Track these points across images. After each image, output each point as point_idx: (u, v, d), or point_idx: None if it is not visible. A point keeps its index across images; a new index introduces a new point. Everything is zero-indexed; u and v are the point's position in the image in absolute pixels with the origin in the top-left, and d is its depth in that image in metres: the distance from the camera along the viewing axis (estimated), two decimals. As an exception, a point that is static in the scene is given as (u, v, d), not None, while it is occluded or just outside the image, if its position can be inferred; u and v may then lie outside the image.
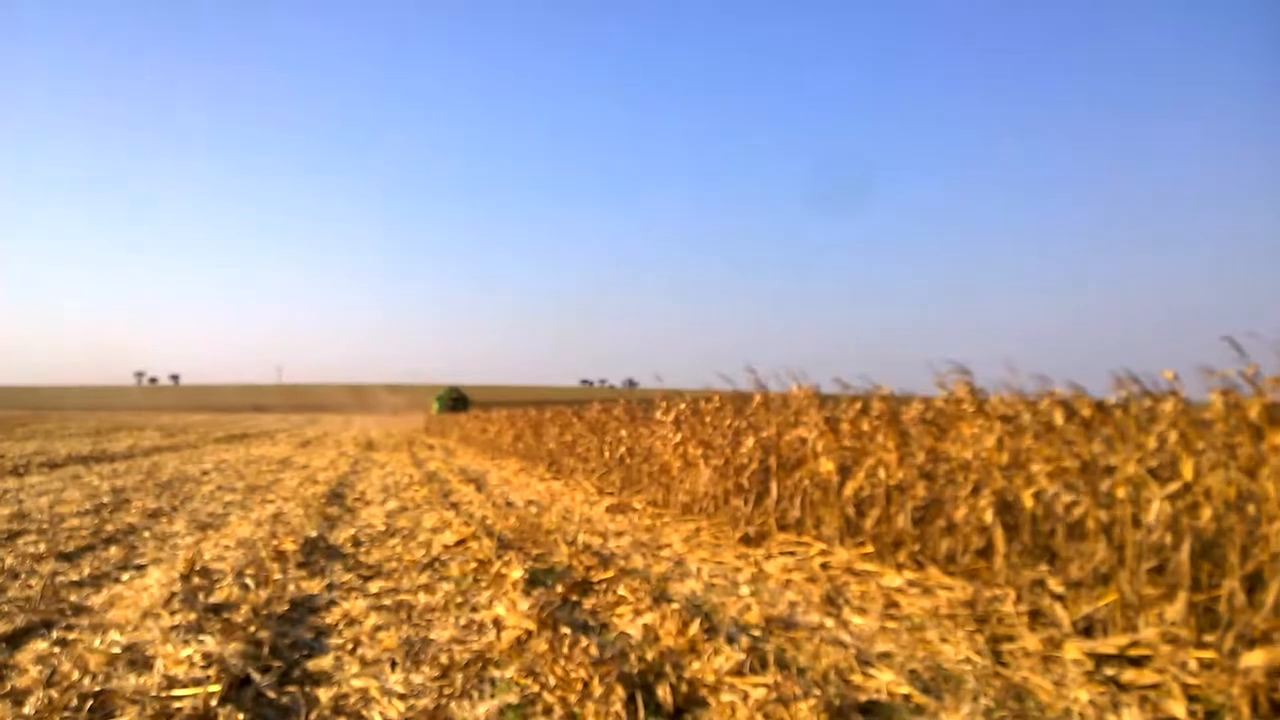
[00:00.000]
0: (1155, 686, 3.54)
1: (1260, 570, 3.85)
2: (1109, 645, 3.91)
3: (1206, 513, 4.05)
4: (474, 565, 6.12)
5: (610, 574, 5.84)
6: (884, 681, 3.64)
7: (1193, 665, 3.60)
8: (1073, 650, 3.94)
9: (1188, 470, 4.11)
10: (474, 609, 4.97)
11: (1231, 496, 3.97)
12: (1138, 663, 3.78)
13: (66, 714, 3.21)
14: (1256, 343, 4.08)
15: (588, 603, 5.18)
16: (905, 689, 3.55)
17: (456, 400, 54.56)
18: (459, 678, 3.74)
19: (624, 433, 12.18)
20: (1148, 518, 4.22)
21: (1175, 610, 3.93)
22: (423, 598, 5.26)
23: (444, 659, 3.99)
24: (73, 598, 5.21)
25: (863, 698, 3.49)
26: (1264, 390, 3.99)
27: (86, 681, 3.53)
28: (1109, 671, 3.73)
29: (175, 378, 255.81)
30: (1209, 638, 3.76)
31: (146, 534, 7.79)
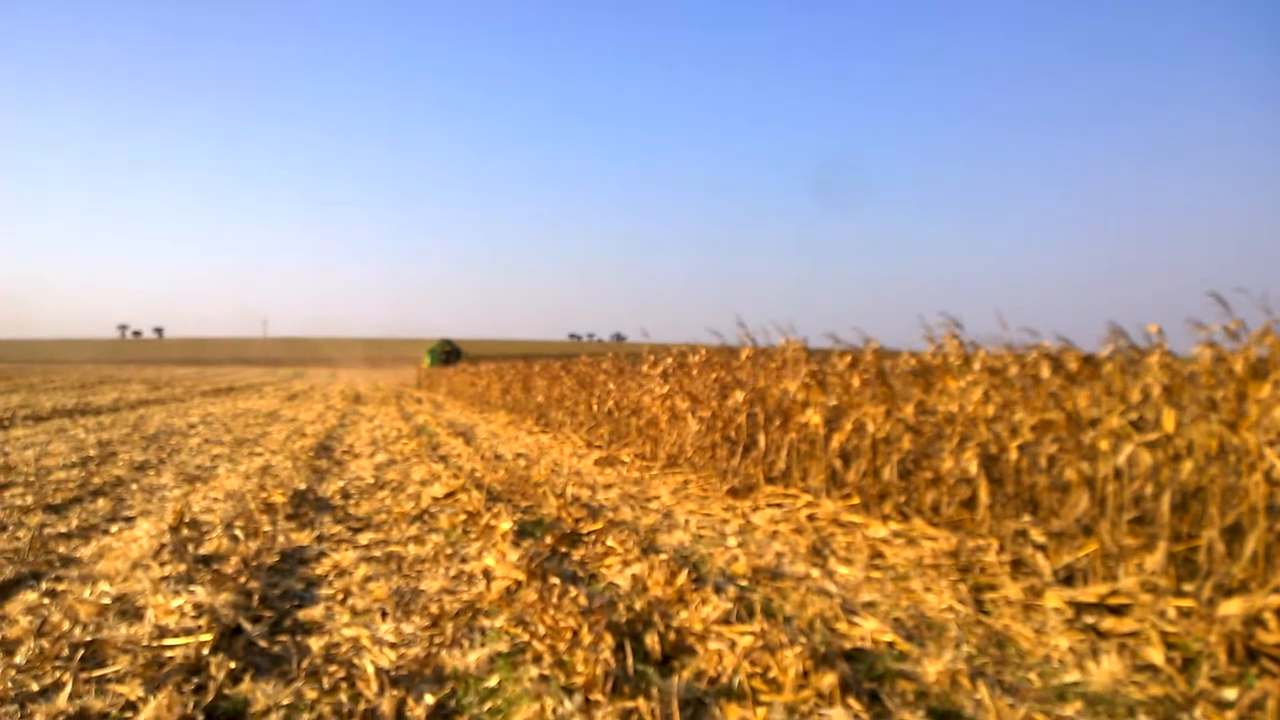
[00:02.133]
0: (1134, 634, 3.61)
1: (1239, 521, 3.91)
2: (1089, 594, 3.98)
3: (1188, 465, 4.10)
4: (463, 517, 6.15)
5: (599, 526, 5.89)
6: (868, 629, 3.70)
7: (1171, 613, 3.67)
8: (1053, 599, 4.01)
9: (1169, 422, 4.15)
10: (463, 560, 5.00)
11: (1213, 449, 4.02)
12: (1117, 611, 3.85)
13: (58, 664, 3.22)
14: (1242, 298, 4.10)
15: (576, 554, 5.22)
16: (889, 636, 3.61)
17: (450, 353, 51.25)
18: (449, 627, 3.77)
19: (612, 386, 12.19)
20: (1130, 469, 4.27)
21: (1155, 560, 4.00)
22: (412, 549, 5.29)
23: (434, 609, 4.02)
24: (61, 549, 5.20)
25: (848, 645, 3.55)
26: (1248, 345, 4.01)
27: (77, 632, 3.54)
28: (1089, 619, 3.80)
29: (159, 331, 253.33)
30: (1188, 587, 3.83)
31: (134, 486, 7.78)
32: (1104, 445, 4.41)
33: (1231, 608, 3.43)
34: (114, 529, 5.87)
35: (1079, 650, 3.48)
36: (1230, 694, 3.04)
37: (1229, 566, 3.80)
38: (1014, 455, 5.02)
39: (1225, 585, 3.76)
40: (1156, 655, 3.36)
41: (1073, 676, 3.25)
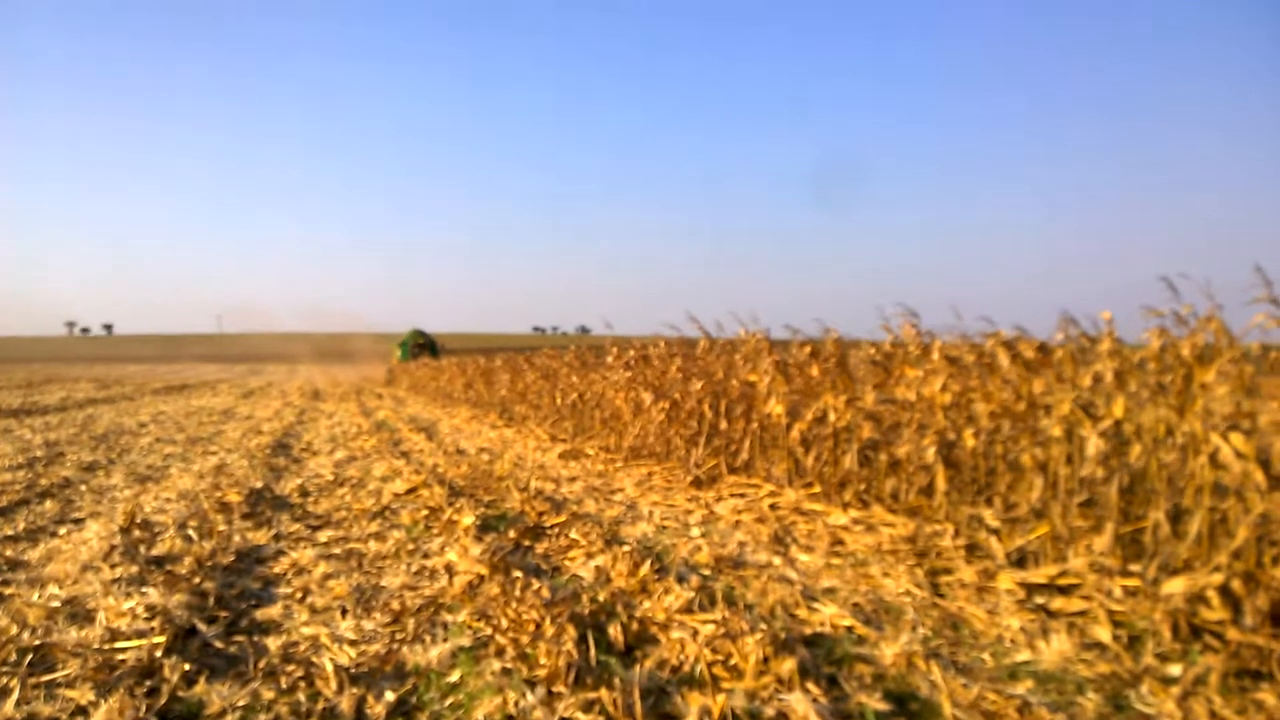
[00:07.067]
0: (1083, 613, 3.72)
1: (1184, 503, 4.03)
2: (1040, 575, 4.08)
3: (1136, 449, 4.20)
4: (425, 513, 6.10)
5: (562, 519, 5.89)
6: (828, 615, 3.75)
7: (1118, 593, 3.78)
8: (1006, 581, 4.10)
9: (1119, 408, 4.25)
10: (425, 556, 4.97)
11: (1160, 433, 4.13)
12: (1066, 591, 3.95)
13: (6, 669, 3.14)
14: (1187, 283, 4.20)
15: (540, 547, 5.22)
16: (848, 621, 3.66)
17: (422, 346, 46.04)
18: (411, 623, 3.75)
19: (575, 379, 12.17)
20: (1081, 454, 4.37)
21: (1103, 541, 4.10)
22: (373, 546, 5.24)
23: (395, 605, 4.00)
24: (8, 552, 5.07)
25: (808, 631, 3.60)
26: (1195, 330, 4.12)
27: (26, 636, 3.45)
28: (1039, 600, 3.90)
29: (108, 327, 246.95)
30: (1134, 567, 3.93)
31: (83, 487, 7.59)
32: (1056, 431, 4.51)
33: (1175, 586, 3.54)
34: (62, 531, 5.73)
35: (1030, 630, 3.57)
36: (1175, 670, 3.14)
37: (1173, 547, 3.91)
38: (970, 442, 5.11)
39: (1170, 565, 3.86)
40: (1104, 633, 3.46)
41: (1024, 655, 3.34)
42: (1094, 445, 4.28)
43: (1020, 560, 4.41)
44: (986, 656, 3.35)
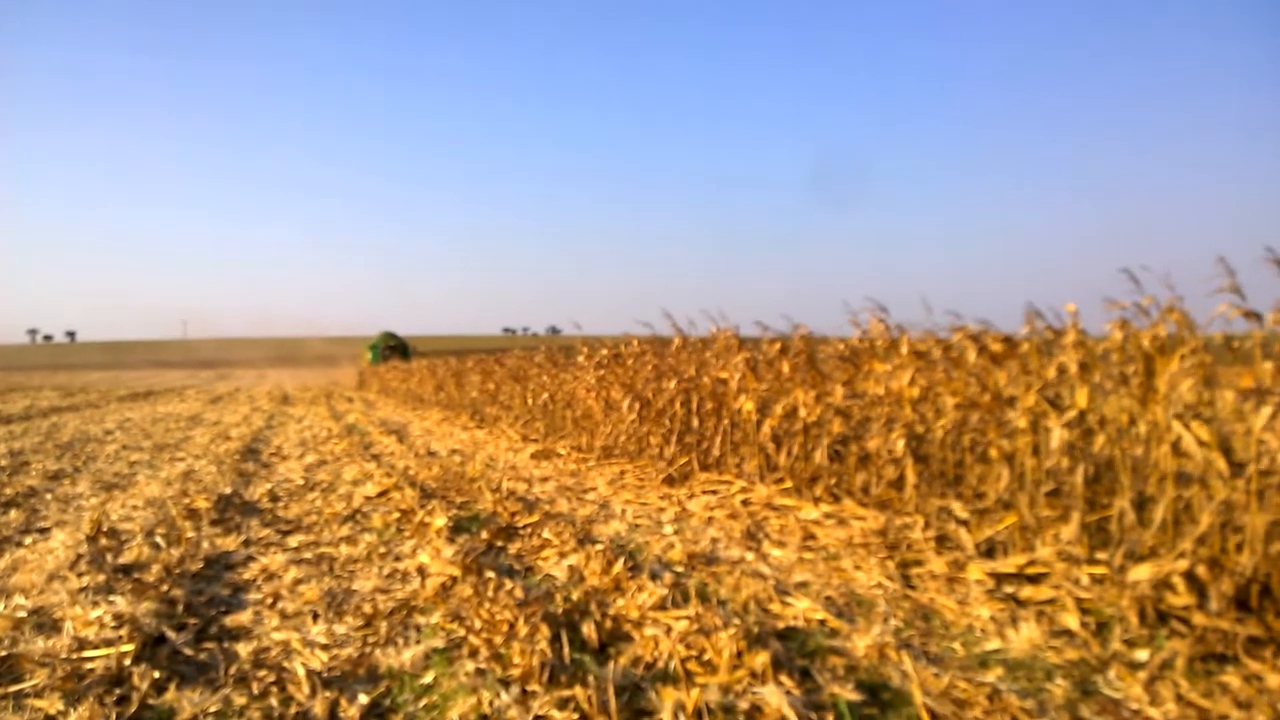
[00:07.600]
0: (1051, 601, 3.78)
1: (1149, 491, 4.11)
2: (1008, 565, 4.14)
3: (1100, 438, 4.28)
4: (397, 515, 6.06)
5: (535, 519, 5.87)
6: (801, 609, 3.78)
7: (1085, 580, 3.84)
8: (975, 571, 4.16)
9: (1083, 399, 4.33)
10: (398, 558, 4.94)
11: (1124, 422, 4.21)
12: (1034, 580, 4.02)
13: (-33, 682, 3.08)
14: (1149, 275, 4.28)
15: (513, 547, 5.20)
16: (821, 614, 3.70)
17: (393, 348, 44.53)
18: (383, 626, 3.72)
19: (546, 379, 12.14)
20: (1047, 445, 4.45)
21: (1069, 530, 4.17)
22: (344, 549, 5.19)
23: (368, 608, 3.96)
24: (-32, 564, 4.96)
25: (780, 625, 3.62)
26: (1156, 322, 4.19)
27: (-10, 647, 3.38)
28: (1008, 589, 3.96)
29: (71, 334, 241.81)
30: (1101, 555, 4.00)
31: (48, 496, 7.44)
32: (1022, 422, 4.59)
33: (1141, 573, 3.60)
34: (28, 541, 5.61)
35: (999, 619, 3.62)
36: (1142, 655, 3.21)
37: (1139, 534, 3.99)
38: (938, 435, 5.18)
39: (1135, 552, 3.94)
40: (1072, 621, 3.52)
41: (994, 644, 3.39)
42: (1059, 436, 4.36)
43: (989, 550, 4.48)
44: (957, 646, 3.39)
